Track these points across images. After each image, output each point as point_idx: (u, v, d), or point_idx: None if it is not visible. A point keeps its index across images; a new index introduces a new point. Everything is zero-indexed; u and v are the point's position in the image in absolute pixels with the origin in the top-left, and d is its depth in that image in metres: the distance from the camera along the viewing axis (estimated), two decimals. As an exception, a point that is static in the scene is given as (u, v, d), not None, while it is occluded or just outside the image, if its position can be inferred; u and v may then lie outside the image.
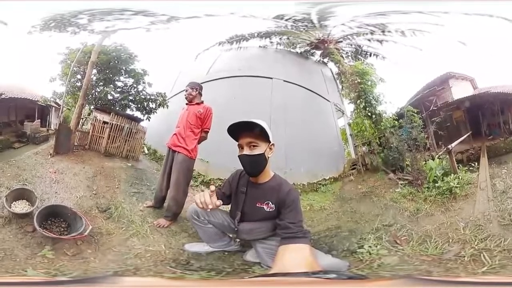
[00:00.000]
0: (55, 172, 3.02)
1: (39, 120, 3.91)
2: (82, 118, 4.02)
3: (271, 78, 4.85)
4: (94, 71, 3.99)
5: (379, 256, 2.03)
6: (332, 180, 4.54)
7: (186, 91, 3.03)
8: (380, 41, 3.88)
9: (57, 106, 4.01)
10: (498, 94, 3.31)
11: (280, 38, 4.80)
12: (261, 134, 1.76)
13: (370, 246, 2.18)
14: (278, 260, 1.50)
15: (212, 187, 1.67)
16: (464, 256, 1.79)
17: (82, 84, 3.81)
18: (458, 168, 3.14)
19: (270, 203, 1.83)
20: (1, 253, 1.71)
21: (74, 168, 3.20)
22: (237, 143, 1.82)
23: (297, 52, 5.23)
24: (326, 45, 4.59)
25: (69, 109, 4.04)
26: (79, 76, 4.00)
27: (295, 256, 1.49)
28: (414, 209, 2.78)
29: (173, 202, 2.72)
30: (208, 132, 2.98)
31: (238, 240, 2.28)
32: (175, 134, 2.94)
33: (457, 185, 2.82)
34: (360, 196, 3.77)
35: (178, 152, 2.81)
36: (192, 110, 2.93)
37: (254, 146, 1.75)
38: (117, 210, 2.63)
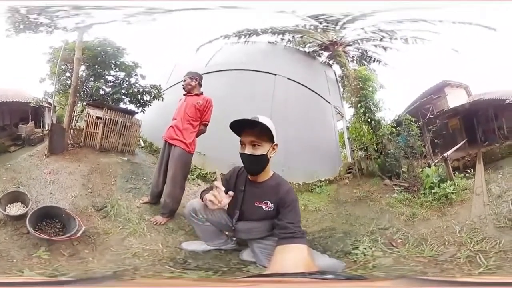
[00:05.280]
0: (50, 173, 2.98)
1: (33, 121, 3.91)
2: (76, 116, 3.98)
3: (275, 74, 4.82)
4: (83, 67, 3.94)
5: (373, 258, 2.03)
6: (327, 182, 4.52)
7: (184, 81, 2.84)
8: (385, 48, 3.94)
9: (49, 106, 3.98)
10: (491, 100, 3.37)
11: (293, 36, 4.76)
12: (265, 133, 1.69)
13: (365, 248, 2.16)
14: (276, 260, 1.44)
15: (217, 183, 1.61)
16: (460, 258, 1.81)
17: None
18: (454, 175, 3.17)
19: (269, 202, 1.79)
20: (-2, 255, 1.74)
21: (69, 167, 3.17)
22: (239, 138, 1.75)
23: (305, 51, 5.20)
24: (335, 47, 4.59)
25: (62, 108, 4.01)
26: (68, 74, 3.94)
27: (293, 257, 1.45)
28: (410, 214, 2.81)
29: (169, 198, 2.63)
30: (207, 125, 2.83)
31: (234, 238, 2.24)
32: (171, 126, 2.77)
33: (453, 191, 2.87)
34: (355, 200, 3.77)
35: (175, 146, 2.67)
36: (191, 101, 2.76)
37: (257, 145, 1.68)
38: (113, 208, 2.60)
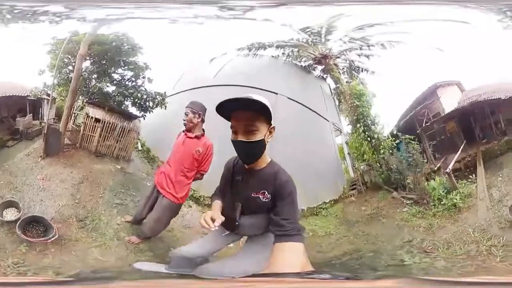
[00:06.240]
0: (43, 179, 2.99)
1: (31, 114, 3.74)
2: (74, 113, 3.84)
3: (276, 93, 4.69)
4: (88, 63, 3.65)
5: (427, 263, 2.15)
6: (332, 202, 4.28)
7: (186, 115, 2.47)
8: (367, 56, 3.99)
9: (49, 98, 3.75)
10: (486, 101, 3.41)
11: (292, 51, 4.67)
12: (262, 113, 1.48)
13: (409, 258, 2.25)
14: (272, 259, 1.39)
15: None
16: (483, 251, 2.16)
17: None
18: (457, 178, 3.25)
19: (266, 192, 1.61)
20: (-1, 248, 2.24)
21: (62, 173, 3.15)
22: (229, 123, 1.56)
23: (302, 66, 5.06)
24: (327, 60, 4.52)
25: (62, 99, 3.78)
26: (70, 67, 3.64)
27: (289, 256, 1.39)
28: (427, 225, 2.90)
29: (149, 231, 2.54)
30: (204, 174, 2.54)
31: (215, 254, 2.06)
32: (163, 173, 2.51)
33: (460, 200, 3.02)
34: (367, 218, 3.63)
35: (164, 196, 2.45)
36: (189, 148, 2.44)
37: (252, 131, 1.48)
38: (93, 223, 2.66)
